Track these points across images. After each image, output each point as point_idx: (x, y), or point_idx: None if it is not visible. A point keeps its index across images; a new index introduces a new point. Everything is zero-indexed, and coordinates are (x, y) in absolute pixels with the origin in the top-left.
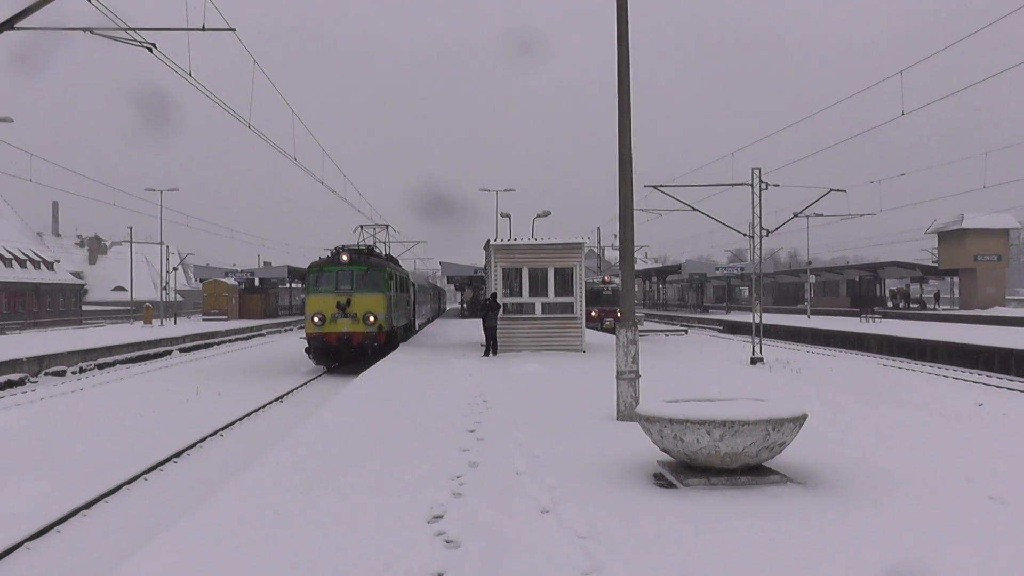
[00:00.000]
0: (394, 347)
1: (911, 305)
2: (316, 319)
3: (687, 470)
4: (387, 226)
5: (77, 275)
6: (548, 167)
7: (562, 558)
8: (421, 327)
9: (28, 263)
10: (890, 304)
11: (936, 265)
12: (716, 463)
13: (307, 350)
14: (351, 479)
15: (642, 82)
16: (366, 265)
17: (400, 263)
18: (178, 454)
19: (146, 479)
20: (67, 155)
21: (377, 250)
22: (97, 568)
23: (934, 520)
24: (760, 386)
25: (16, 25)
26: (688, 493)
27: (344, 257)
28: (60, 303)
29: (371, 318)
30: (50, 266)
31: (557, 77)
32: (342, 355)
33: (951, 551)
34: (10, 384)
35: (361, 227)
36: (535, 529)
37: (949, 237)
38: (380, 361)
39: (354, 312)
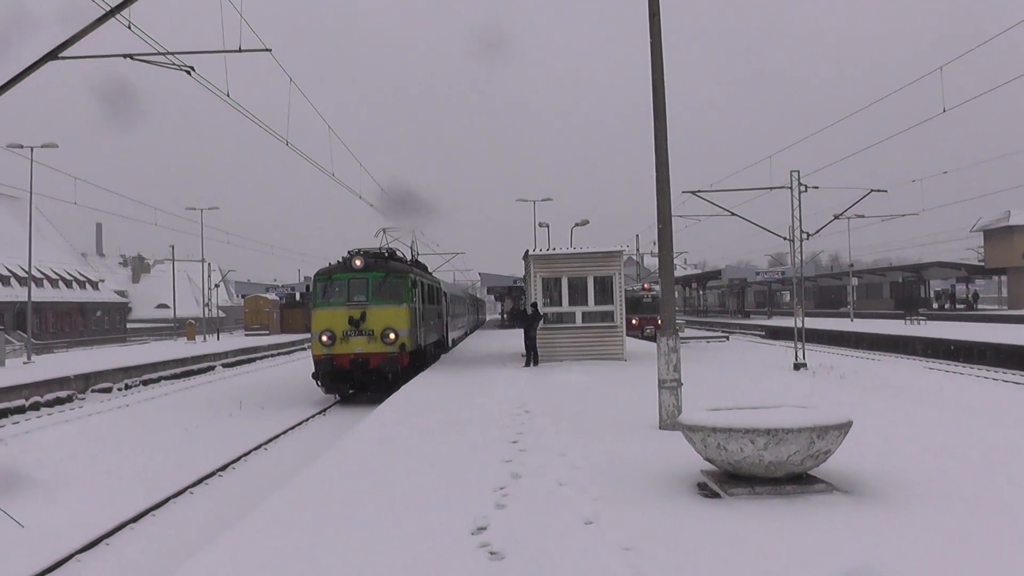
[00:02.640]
0: (421, 370)
1: (957, 306)
2: (324, 338)
3: (731, 479)
4: (413, 229)
5: (121, 294)
6: (584, 176)
7: (606, 570)
8: (457, 342)
9: (73, 283)
10: (935, 305)
11: (982, 264)
12: (760, 472)
13: (314, 375)
14: (392, 491)
15: (676, 86)
16: (384, 271)
17: (428, 269)
18: (223, 467)
19: (192, 492)
20: (110, 177)
21: (400, 254)
22: None
23: (984, 529)
24: (804, 393)
25: (60, 55)
26: (733, 503)
27: (357, 262)
28: (105, 321)
29: (391, 335)
30: (95, 285)
31: (591, 86)
32: (356, 381)
33: (1003, 562)
34: (59, 401)
35: (384, 230)
36: (578, 541)
37: (995, 235)
38: (414, 379)
39: (370, 328)
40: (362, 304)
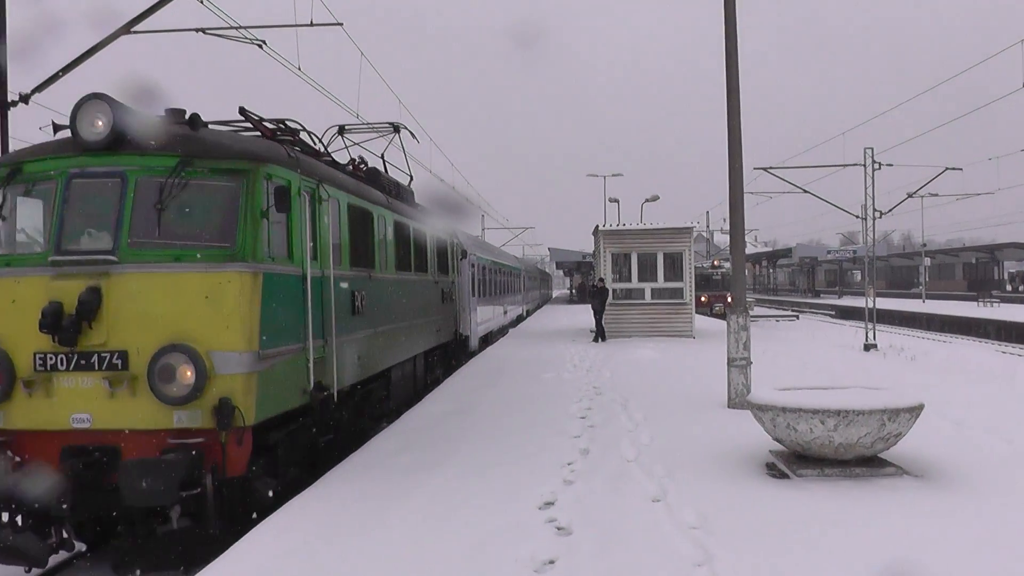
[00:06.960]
0: (315, 475)
1: None
2: None
3: (800, 460)
4: (397, 128)
5: None
6: (655, 151)
7: (673, 548)
8: (497, 334)
9: None
10: (1009, 287)
11: None
12: (830, 454)
13: None
14: (462, 461)
15: (748, 60)
16: (176, 152)
17: (415, 196)
18: None
19: None
20: None
21: (321, 146)
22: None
23: None
24: (874, 374)
25: (132, 29)
26: (801, 484)
27: (98, 123)
28: None
29: (186, 372)
30: None
31: (661, 60)
32: (61, 513)
33: None
34: None
35: (341, 128)
36: (646, 518)
37: None
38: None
39: (113, 347)
40: (100, 261)
